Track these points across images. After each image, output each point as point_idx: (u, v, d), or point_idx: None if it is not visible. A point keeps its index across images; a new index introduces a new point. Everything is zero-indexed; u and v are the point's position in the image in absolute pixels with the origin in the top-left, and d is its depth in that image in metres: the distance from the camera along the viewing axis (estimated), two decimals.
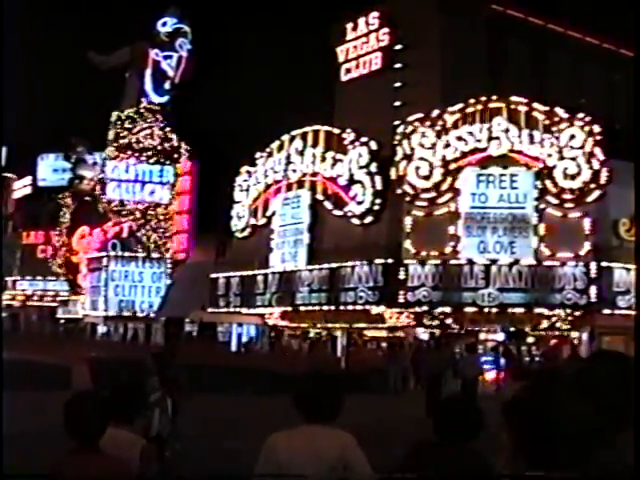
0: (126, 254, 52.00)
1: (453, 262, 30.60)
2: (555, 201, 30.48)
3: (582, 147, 30.17)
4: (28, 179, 72.02)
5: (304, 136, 37.03)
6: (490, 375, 31.32)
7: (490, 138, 31.29)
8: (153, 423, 9.54)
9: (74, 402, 4.17)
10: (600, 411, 2.31)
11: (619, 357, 2.95)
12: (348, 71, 42.05)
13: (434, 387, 21.21)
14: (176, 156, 53.88)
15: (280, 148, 38.30)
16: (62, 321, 63.55)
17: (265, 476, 4.07)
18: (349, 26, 41.94)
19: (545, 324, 30.83)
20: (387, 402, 22.54)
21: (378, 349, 35.80)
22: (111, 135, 54.66)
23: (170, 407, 10.01)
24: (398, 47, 39.34)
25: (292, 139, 37.63)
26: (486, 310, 30.35)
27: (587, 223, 30.07)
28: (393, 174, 32.52)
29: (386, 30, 40.06)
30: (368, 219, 33.74)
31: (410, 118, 32.59)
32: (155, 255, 52.22)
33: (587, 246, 29.93)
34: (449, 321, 31.47)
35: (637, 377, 2.69)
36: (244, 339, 43.10)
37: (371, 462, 4.22)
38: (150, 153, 53.70)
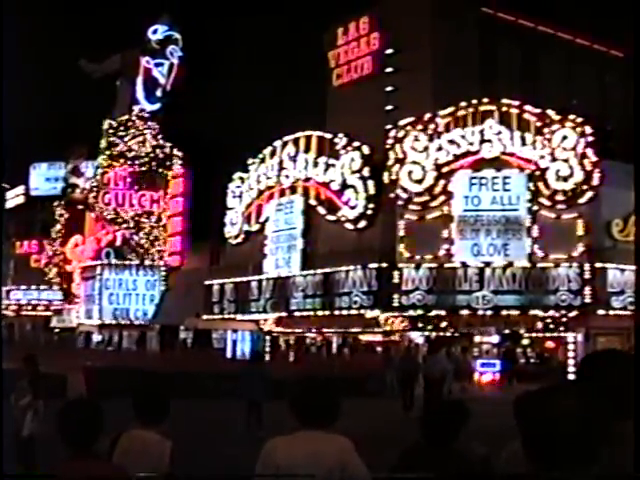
0: (120, 262, 51.88)
1: (447, 265, 30.63)
2: (548, 203, 30.51)
3: (574, 148, 30.21)
4: (21, 188, 71.81)
5: (296, 141, 37.05)
6: (486, 377, 31.44)
7: (482, 141, 31.34)
8: (25, 425, 9.97)
9: (69, 410, 4.19)
10: (605, 409, 2.30)
11: (616, 356, 2.94)
12: (339, 76, 42.04)
13: (408, 386, 22.30)
14: (168, 163, 53.81)
15: (272, 154, 38.31)
16: (56, 330, 63.32)
17: (265, 476, 4.08)
18: (340, 31, 41.95)
19: (540, 326, 30.85)
20: (384, 406, 22.52)
21: (374, 353, 35.75)
22: (103, 143, 54.56)
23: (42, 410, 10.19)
24: (389, 51, 39.37)
25: (284, 145, 37.65)
26: (481, 313, 30.36)
27: (580, 224, 30.11)
28: (386, 178, 32.54)
29: (376, 34, 40.07)
30: (361, 224, 33.75)
31: (402, 122, 32.62)
32: (149, 263, 52.13)
33: (580, 247, 29.97)
34: (444, 324, 31.48)
35: (637, 377, 2.68)
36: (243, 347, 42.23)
37: (368, 466, 4.20)
38: (143, 161, 53.63)
